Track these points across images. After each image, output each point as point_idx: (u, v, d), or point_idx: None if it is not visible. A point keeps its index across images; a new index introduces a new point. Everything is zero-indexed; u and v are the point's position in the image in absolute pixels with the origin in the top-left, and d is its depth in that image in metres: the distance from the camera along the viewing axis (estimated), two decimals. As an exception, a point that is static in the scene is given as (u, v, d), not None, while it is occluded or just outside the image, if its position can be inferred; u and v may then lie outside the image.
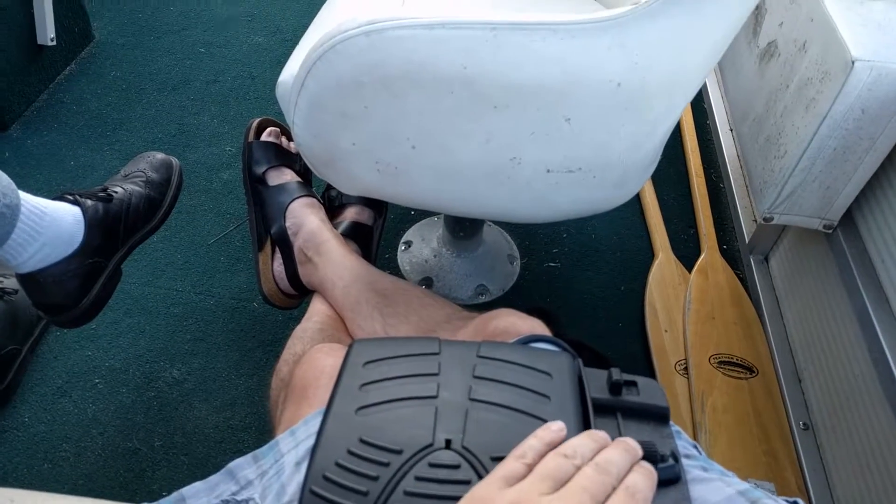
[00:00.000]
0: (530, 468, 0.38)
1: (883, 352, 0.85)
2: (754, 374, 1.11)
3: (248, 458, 0.54)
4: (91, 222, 0.93)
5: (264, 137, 1.08)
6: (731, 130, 1.48)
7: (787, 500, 0.43)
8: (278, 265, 1.03)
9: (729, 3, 0.63)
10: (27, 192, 0.84)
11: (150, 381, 1.09)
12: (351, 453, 0.43)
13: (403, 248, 1.32)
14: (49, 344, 1.14)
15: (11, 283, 1.15)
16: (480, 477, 0.41)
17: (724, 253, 1.35)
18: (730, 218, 1.42)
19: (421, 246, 1.31)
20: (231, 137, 1.49)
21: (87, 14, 1.64)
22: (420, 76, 0.64)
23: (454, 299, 1.23)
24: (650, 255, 1.34)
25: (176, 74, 1.63)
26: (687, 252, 1.34)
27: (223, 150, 1.46)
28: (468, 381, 0.48)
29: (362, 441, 0.44)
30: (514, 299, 1.26)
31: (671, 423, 0.48)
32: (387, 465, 0.42)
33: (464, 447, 0.43)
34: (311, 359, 0.66)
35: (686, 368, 1.12)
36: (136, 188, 1.01)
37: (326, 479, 0.42)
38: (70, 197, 0.93)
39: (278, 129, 1.11)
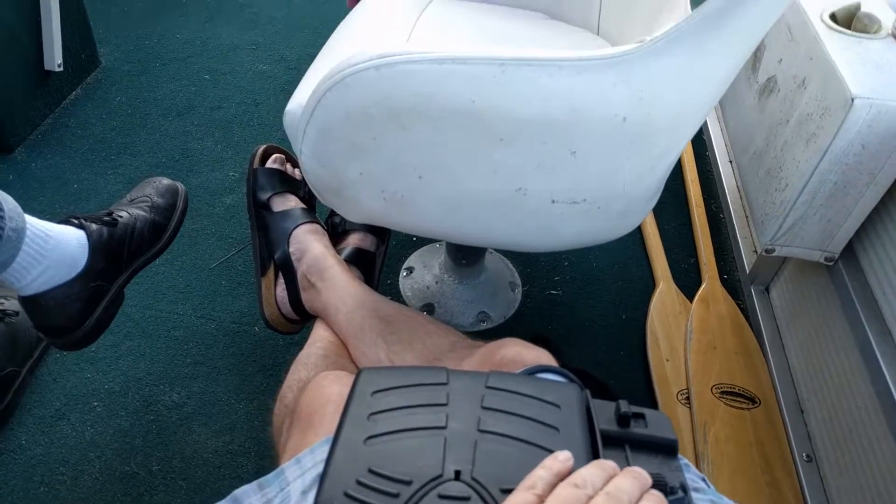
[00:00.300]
0: (541, 499, 0.38)
1: (886, 384, 0.85)
2: (756, 405, 1.11)
3: (253, 485, 0.54)
4: (95, 246, 0.93)
5: (269, 164, 1.09)
6: (731, 162, 1.49)
7: None
8: (281, 290, 1.03)
9: (732, 43, 0.64)
10: (31, 214, 0.85)
11: (149, 404, 1.09)
12: (360, 483, 0.43)
13: (405, 273, 1.32)
14: (48, 366, 1.13)
15: (12, 304, 1.15)
16: None
17: (724, 283, 1.36)
18: (730, 248, 1.43)
19: (423, 272, 1.31)
20: (234, 162, 1.50)
21: (95, 40, 1.66)
22: (428, 109, 0.65)
23: (456, 326, 1.23)
24: (651, 284, 1.34)
25: (180, 100, 1.65)
26: (688, 281, 1.34)
27: (226, 174, 1.47)
28: (477, 412, 0.48)
29: (371, 471, 0.44)
30: (515, 326, 1.26)
31: (679, 455, 0.48)
32: (396, 495, 0.42)
33: (473, 479, 0.43)
34: (317, 386, 0.66)
35: (688, 398, 1.11)
36: (141, 213, 1.02)
37: (335, 509, 0.42)
38: (75, 220, 0.93)
39: (283, 156, 1.12)
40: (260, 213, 1.06)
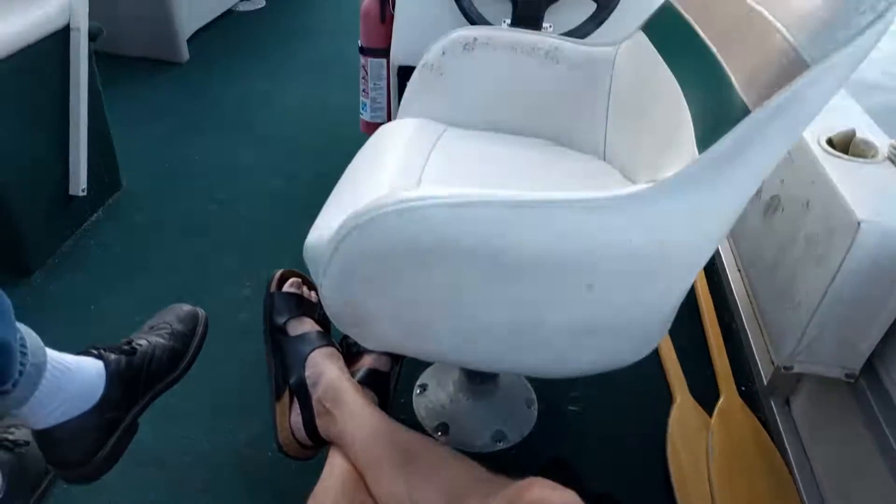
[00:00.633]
0: None
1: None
2: (787, 530, 1.07)
3: None
4: (112, 376, 0.93)
5: (286, 288, 1.11)
6: (740, 271, 1.51)
7: None
8: (296, 415, 1.02)
9: (741, 181, 0.67)
10: (46, 339, 0.85)
11: (158, 537, 1.05)
12: None
13: (419, 391, 1.31)
14: (55, 497, 1.10)
15: (23, 433, 1.13)
16: None
17: (742, 394, 1.33)
18: (745, 358, 1.41)
19: (437, 390, 1.30)
20: (248, 280, 1.52)
21: (118, 164, 1.73)
22: (448, 250, 0.67)
23: (472, 447, 1.21)
24: (668, 397, 1.32)
25: (197, 219, 1.70)
26: (706, 393, 1.32)
27: (240, 293, 1.49)
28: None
29: None
30: (532, 446, 1.23)
31: None
32: None
33: None
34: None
35: (715, 524, 1.07)
36: (161, 340, 1.02)
37: None
38: (95, 351, 0.94)
39: (300, 280, 1.14)
40: (276, 336, 1.07)
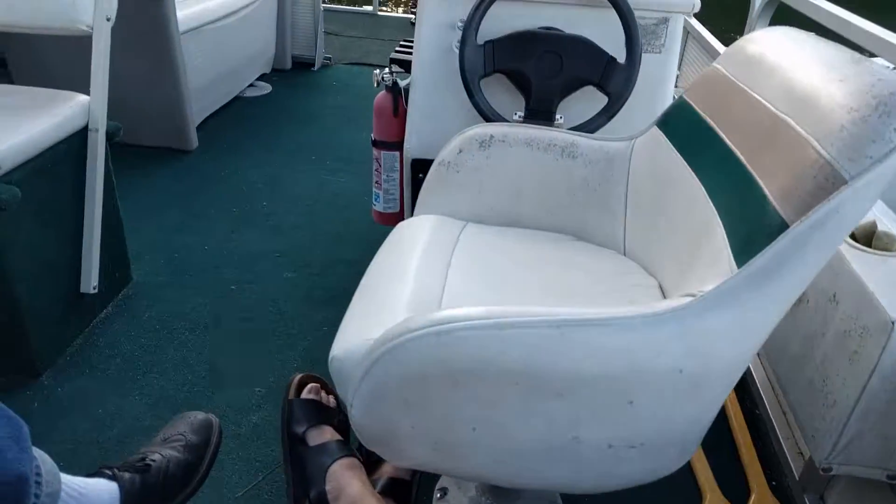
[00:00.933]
0: None
1: None
2: None
3: None
4: (126, 499, 0.89)
5: (305, 394, 1.08)
6: (760, 357, 1.48)
7: None
8: (315, 530, 0.97)
9: (779, 296, 0.66)
10: (50, 443, 0.82)
11: None
12: None
13: (439, 495, 1.25)
14: None
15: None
16: None
17: (774, 490, 1.28)
18: (773, 451, 1.37)
19: (458, 494, 1.24)
20: (261, 378, 1.49)
21: (129, 260, 1.72)
22: (486, 371, 0.65)
23: (497, 556, 1.15)
24: (697, 494, 1.27)
25: (208, 313, 1.68)
26: (736, 488, 1.27)
27: (252, 391, 1.45)
28: None
29: None
30: (560, 553, 1.17)
31: None
32: None
33: None
34: None
35: None
36: (175, 453, 0.99)
37: None
38: (108, 472, 0.90)
39: (318, 385, 1.11)
40: (295, 446, 1.04)
